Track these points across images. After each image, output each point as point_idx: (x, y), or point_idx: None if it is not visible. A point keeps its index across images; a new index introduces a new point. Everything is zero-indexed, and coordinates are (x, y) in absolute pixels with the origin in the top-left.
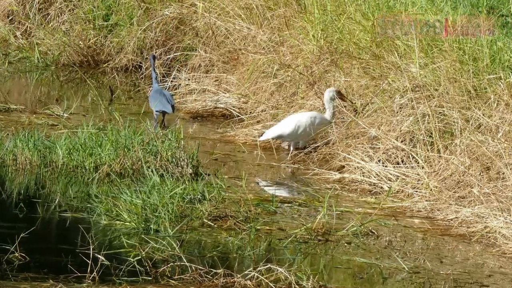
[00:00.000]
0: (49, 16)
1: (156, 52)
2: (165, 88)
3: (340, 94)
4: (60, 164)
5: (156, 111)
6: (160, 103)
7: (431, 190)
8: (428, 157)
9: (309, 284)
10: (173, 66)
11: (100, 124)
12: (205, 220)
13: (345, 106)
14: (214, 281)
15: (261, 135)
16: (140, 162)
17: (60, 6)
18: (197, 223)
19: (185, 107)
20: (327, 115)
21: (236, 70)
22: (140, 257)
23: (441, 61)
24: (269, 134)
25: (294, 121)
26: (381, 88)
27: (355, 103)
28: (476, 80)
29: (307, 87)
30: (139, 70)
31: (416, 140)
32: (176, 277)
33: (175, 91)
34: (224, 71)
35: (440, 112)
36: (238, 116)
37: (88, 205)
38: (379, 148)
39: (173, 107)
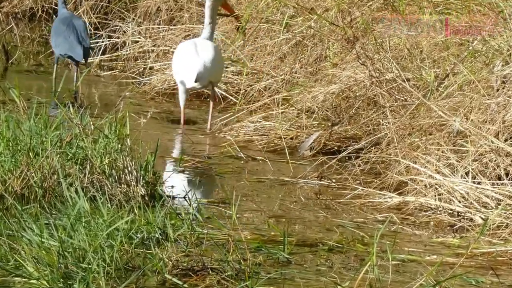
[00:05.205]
0: None
1: None
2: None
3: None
4: None
5: (60, 54)
6: (65, 41)
7: None
8: None
9: None
10: (113, 12)
11: None
12: (168, 276)
13: (408, 79)
14: None
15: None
16: (56, 176)
17: None
18: (155, 281)
19: (133, 82)
20: (203, 35)
21: (221, 17)
22: None
23: None
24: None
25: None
26: (470, 48)
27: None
28: None
29: (343, 46)
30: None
31: None
32: None
33: (116, 52)
34: (199, 19)
35: None
36: (225, 97)
37: None
38: (466, 151)
39: (87, 51)
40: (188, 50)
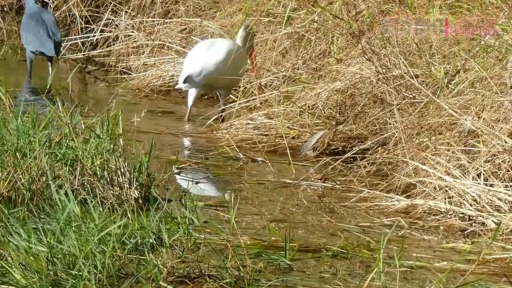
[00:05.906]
0: None
1: None
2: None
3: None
4: None
5: (30, 51)
6: (35, 37)
7: None
8: None
9: None
10: (105, 4)
11: None
12: (163, 283)
13: (416, 76)
14: None
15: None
16: (44, 178)
17: None
18: None
19: (125, 78)
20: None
21: (219, 10)
22: None
23: None
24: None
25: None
26: (482, 42)
27: None
28: None
29: (348, 41)
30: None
31: None
32: None
33: (108, 48)
34: (196, 12)
35: None
36: None
37: None
38: (478, 152)
39: (58, 45)
40: (197, 48)
